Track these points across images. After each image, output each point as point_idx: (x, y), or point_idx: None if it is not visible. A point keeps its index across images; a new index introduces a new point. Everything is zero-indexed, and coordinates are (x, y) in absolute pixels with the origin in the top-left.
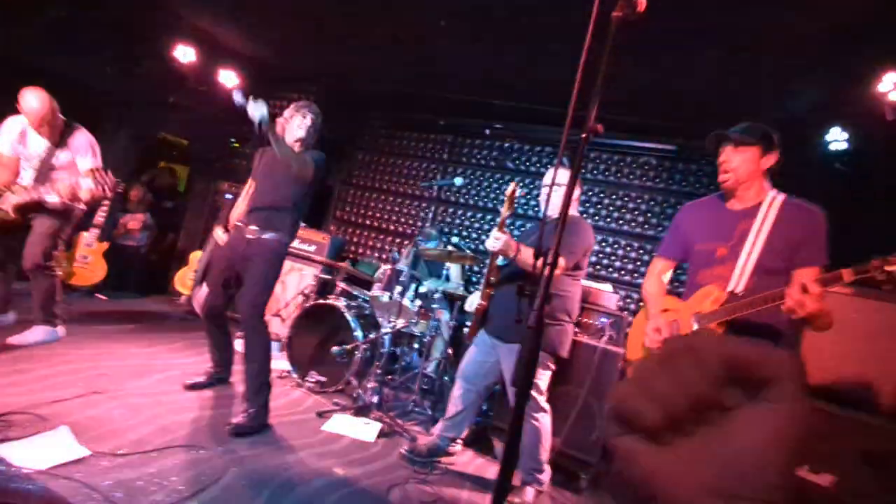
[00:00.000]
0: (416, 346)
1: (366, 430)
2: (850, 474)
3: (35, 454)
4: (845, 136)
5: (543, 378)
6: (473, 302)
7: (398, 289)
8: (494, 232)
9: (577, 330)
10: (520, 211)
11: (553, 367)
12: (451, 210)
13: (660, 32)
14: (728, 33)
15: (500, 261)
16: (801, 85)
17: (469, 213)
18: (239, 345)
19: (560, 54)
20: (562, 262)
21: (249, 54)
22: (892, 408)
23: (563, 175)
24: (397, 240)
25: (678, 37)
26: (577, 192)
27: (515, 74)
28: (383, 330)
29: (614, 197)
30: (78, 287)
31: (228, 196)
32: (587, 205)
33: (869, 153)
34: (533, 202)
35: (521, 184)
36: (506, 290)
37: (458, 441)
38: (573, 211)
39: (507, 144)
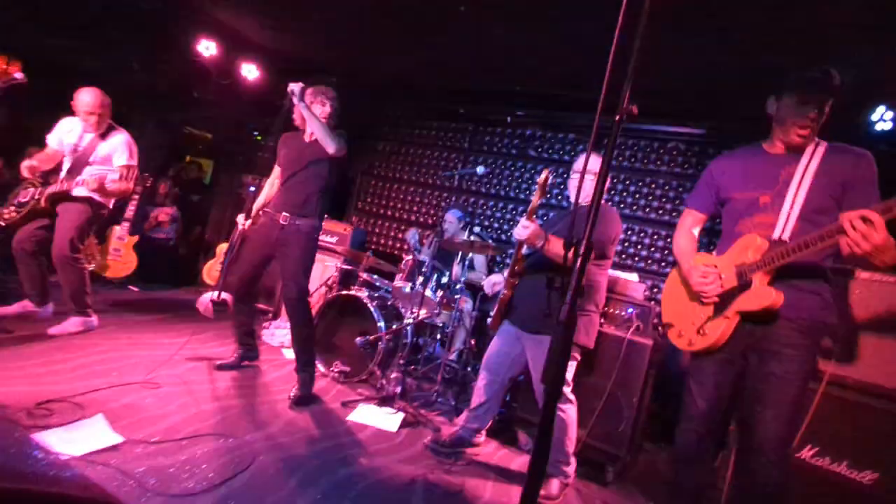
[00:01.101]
0: (438, 336)
1: (390, 420)
2: (893, 471)
3: (72, 441)
4: (892, 115)
5: (569, 369)
6: (492, 280)
7: (420, 279)
8: (523, 220)
9: (602, 321)
10: (532, 198)
11: (579, 357)
12: (472, 200)
13: (689, 9)
14: (763, 5)
15: (525, 250)
16: (843, 62)
17: (491, 203)
18: (266, 335)
19: (583, 39)
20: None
21: (270, 47)
22: None
23: (594, 161)
24: (419, 231)
25: (709, 13)
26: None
27: (538, 60)
28: (406, 320)
29: (641, 184)
30: (111, 279)
31: (252, 188)
32: (612, 192)
33: None
34: (555, 190)
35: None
36: (531, 280)
37: (482, 432)
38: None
39: (528, 132)
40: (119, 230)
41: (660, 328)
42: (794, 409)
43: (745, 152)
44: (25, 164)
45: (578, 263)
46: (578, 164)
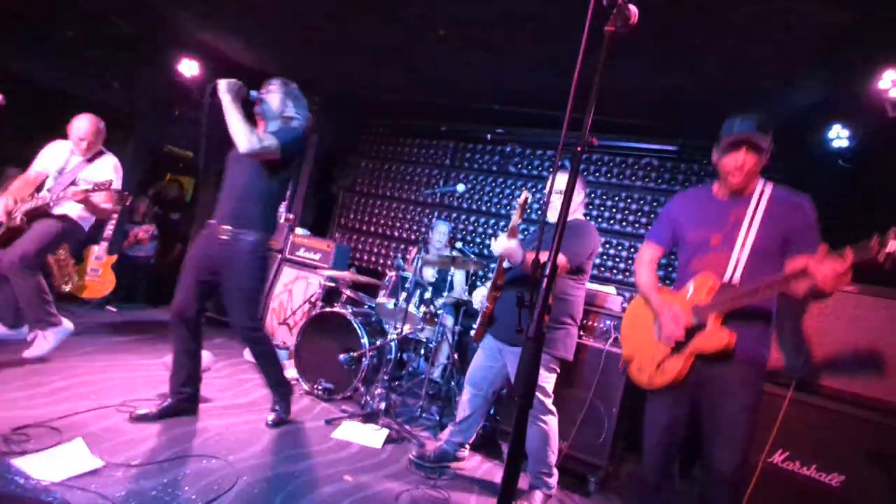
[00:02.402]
0: (422, 351)
1: (374, 436)
2: (859, 474)
3: (51, 466)
4: (846, 133)
5: (549, 381)
6: (479, 295)
7: (403, 295)
8: (502, 235)
9: (581, 333)
10: (512, 214)
11: (558, 370)
12: (454, 216)
13: (658, 32)
14: (727, 32)
15: (506, 264)
16: (802, 83)
17: (472, 218)
18: (246, 353)
19: (559, 60)
20: (563, 259)
21: (252, 66)
22: None
23: (562, 180)
24: (402, 246)
25: (676, 36)
26: (581, 195)
27: (515, 80)
28: (389, 336)
29: (617, 199)
30: (89, 300)
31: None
32: (590, 207)
33: (870, 150)
34: (535, 205)
35: (523, 188)
36: (511, 294)
37: (466, 446)
38: (579, 215)
39: (508, 149)
40: (97, 250)
41: (620, 363)
42: (746, 441)
43: (699, 194)
44: (1, 206)
45: (545, 281)
46: (555, 184)
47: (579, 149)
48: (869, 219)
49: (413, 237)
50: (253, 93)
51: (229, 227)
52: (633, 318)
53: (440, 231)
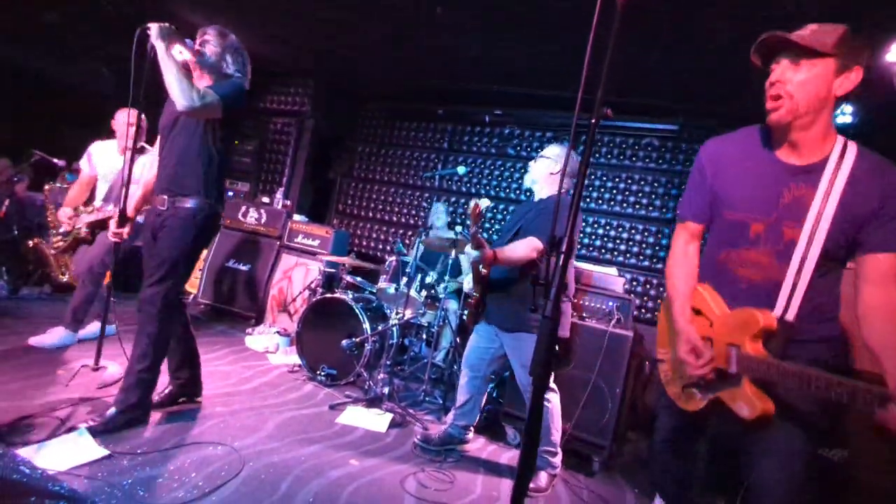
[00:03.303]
0: (424, 336)
1: (378, 420)
2: (862, 449)
3: (56, 456)
4: (851, 109)
5: None
6: (469, 279)
7: (404, 280)
8: (468, 248)
9: (584, 315)
10: (512, 196)
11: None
12: (453, 199)
13: (657, 9)
14: (727, 6)
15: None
16: None
17: (503, 206)
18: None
19: (558, 39)
20: (535, 243)
21: (246, 49)
22: None
23: (551, 150)
24: (401, 231)
25: (676, 13)
26: (556, 166)
27: (514, 60)
28: (391, 321)
29: (618, 180)
30: None
31: (230, 193)
32: (590, 188)
33: (875, 127)
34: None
35: (522, 170)
36: (499, 281)
37: (471, 428)
38: (554, 191)
39: (507, 131)
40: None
41: (646, 363)
42: (802, 462)
43: (749, 140)
44: (64, 215)
45: (560, 262)
46: (547, 150)
47: (594, 120)
48: None
49: (412, 222)
50: (188, 41)
51: (165, 197)
52: (664, 323)
53: (438, 212)
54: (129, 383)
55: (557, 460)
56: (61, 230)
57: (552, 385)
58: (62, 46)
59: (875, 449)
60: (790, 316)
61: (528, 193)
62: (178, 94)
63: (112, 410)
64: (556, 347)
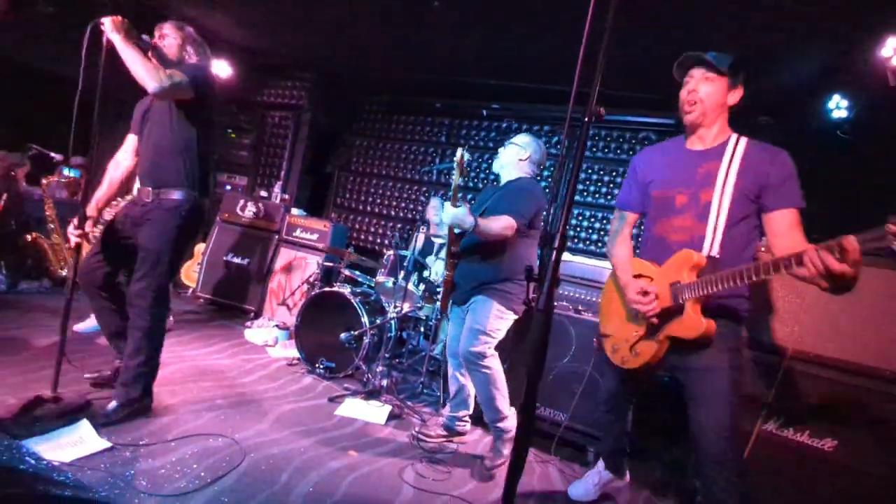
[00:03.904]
0: (421, 329)
1: (377, 412)
2: (851, 439)
3: (60, 448)
4: (846, 103)
5: (496, 328)
6: (437, 268)
7: (402, 274)
8: (447, 205)
9: (580, 307)
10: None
11: (509, 321)
12: (450, 193)
13: (654, 1)
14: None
15: (457, 230)
16: (802, 52)
17: (470, 196)
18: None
19: (557, 32)
20: (510, 221)
21: (240, 43)
22: (893, 373)
23: (521, 138)
24: (399, 225)
25: (674, 5)
26: (524, 153)
27: (512, 54)
28: (389, 315)
29: (615, 174)
30: None
31: (228, 187)
32: (587, 182)
33: (870, 120)
34: (474, 164)
35: None
36: (468, 260)
37: (468, 418)
38: (521, 173)
39: (504, 124)
40: (92, 235)
41: (595, 339)
42: (730, 399)
43: (668, 146)
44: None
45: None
46: (517, 138)
47: (586, 119)
48: (867, 191)
49: (410, 216)
50: (144, 37)
51: (150, 189)
52: (609, 295)
53: (433, 206)
54: (128, 378)
55: (508, 424)
56: (102, 220)
57: (490, 352)
58: (58, 40)
59: (864, 439)
60: (715, 253)
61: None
62: (146, 76)
63: (113, 404)
64: (505, 318)
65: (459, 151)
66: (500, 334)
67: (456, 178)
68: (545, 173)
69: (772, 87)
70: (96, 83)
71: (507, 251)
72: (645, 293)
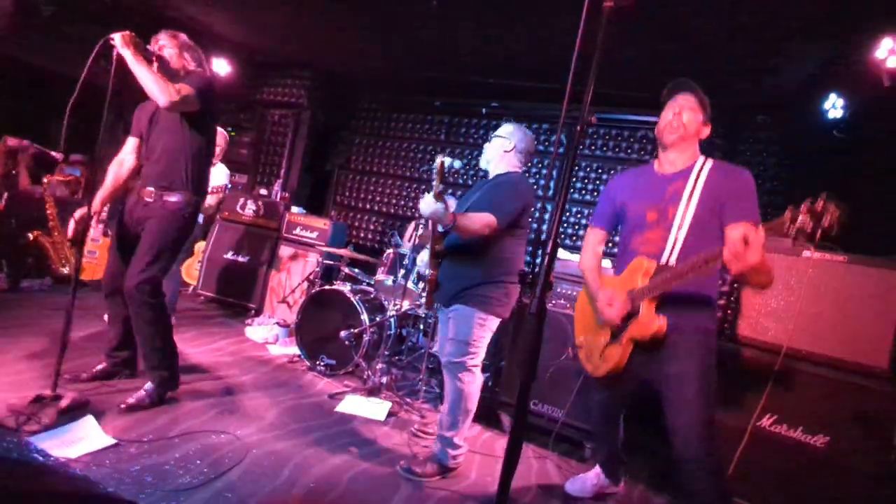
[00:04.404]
0: (421, 326)
1: (377, 409)
2: (842, 435)
3: (65, 444)
4: (842, 103)
5: (478, 338)
6: (423, 258)
7: (402, 271)
8: (428, 196)
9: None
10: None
11: (491, 328)
12: (450, 191)
13: (654, 3)
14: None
15: (440, 227)
16: (798, 52)
17: (459, 193)
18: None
19: (555, 32)
20: (490, 218)
21: (240, 41)
22: (884, 371)
23: (504, 129)
24: (398, 223)
25: (671, 4)
26: (509, 143)
27: (511, 52)
28: (389, 312)
29: (612, 172)
30: (87, 282)
31: (228, 186)
32: (584, 180)
33: (866, 120)
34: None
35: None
36: (451, 259)
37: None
38: (509, 167)
39: (504, 122)
40: (93, 232)
41: (570, 349)
42: (698, 401)
43: (639, 171)
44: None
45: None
46: (501, 129)
47: (578, 129)
48: (861, 190)
49: (410, 214)
50: (150, 49)
51: (152, 189)
52: (582, 305)
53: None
54: (155, 362)
55: (454, 453)
56: None
57: (471, 366)
58: (58, 37)
59: (855, 435)
60: (672, 261)
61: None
62: (157, 92)
63: (149, 385)
64: (488, 325)
65: (439, 159)
66: (484, 342)
67: (436, 186)
68: (543, 171)
69: (769, 86)
70: (97, 87)
71: (491, 252)
72: (611, 302)
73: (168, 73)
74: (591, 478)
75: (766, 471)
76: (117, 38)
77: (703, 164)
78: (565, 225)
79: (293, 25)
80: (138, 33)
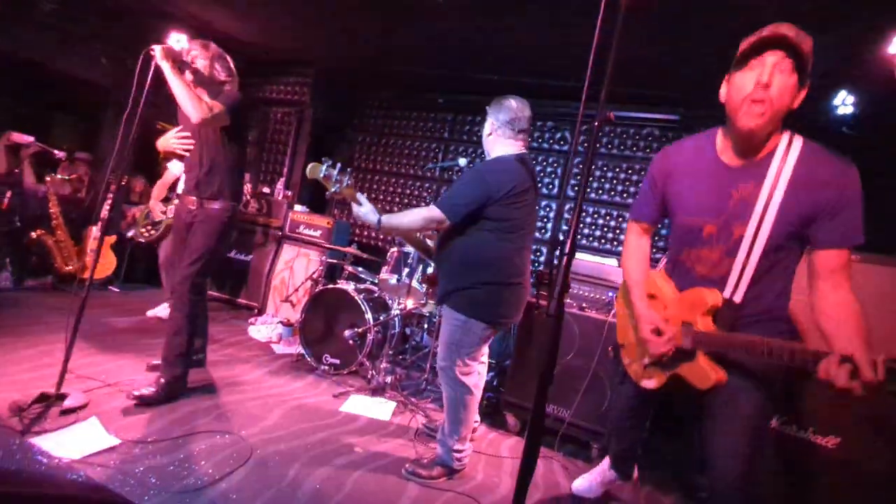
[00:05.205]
0: (425, 325)
1: (381, 409)
2: (854, 436)
3: (69, 445)
4: (852, 99)
5: (465, 344)
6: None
7: (406, 271)
8: (353, 206)
9: (584, 305)
10: None
11: (479, 333)
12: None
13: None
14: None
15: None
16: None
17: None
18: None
19: (561, 29)
20: (435, 212)
21: (242, 38)
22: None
23: (493, 109)
24: None
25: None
26: (488, 126)
27: (515, 50)
28: (393, 311)
29: (618, 170)
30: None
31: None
32: (590, 178)
33: (876, 117)
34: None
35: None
36: (444, 256)
37: (476, 419)
38: (501, 151)
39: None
40: (95, 230)
41: (609, 348)
42: (748, 455)
43: (696, 150)
44: (158, 208)
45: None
46: (499, 114)
47: (596, 124)
48: (871, 187)
49: None
50: (185, 60)
51: (194, 198)
52: (623, 310)
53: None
54: (171, 357)
55: (454, 450)
56: (154, 220)
57: (461, 375)
58: (59, 35)
59: (869, 436)
60: (737, 298)
61: None
62: (191, 109)
63: (162, 381)
64: (475, 330)
65: (308, 167)
66: (471, 347)
67: (329, 188)
68: (548, 169)
69: None
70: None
71: (476, 252)
72: (658, 332)
73: (201, 82)
74: (598, 476)
75: (775, 473)
76: (157, 51)
77: (788, 148)
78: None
79: (295, 22)
80: (140, 31)
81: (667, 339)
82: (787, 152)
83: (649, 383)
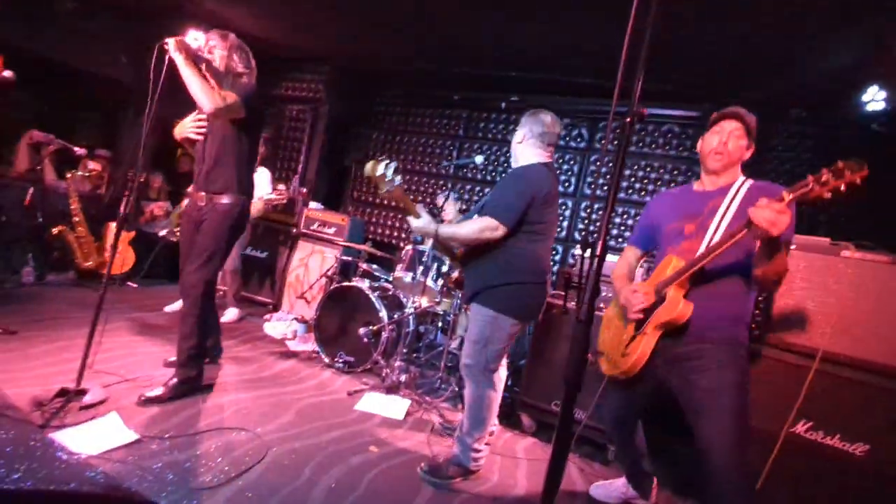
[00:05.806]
0: (439, 324)
1: (396, 407)
2: (884, 443)
3: (88, 440)
4: (883, 94)
5: (493, 340)
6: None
7: (420, 268)
8: (410, 219)
9: (602, 305)
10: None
11: (507, 328)
12: (468, 187)
13: None
14: None
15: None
16: (837, 43)
17: (487, 190)
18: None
19: (578, 24)
20: (490, 222)
21: (258, 35)
22: None
23: (522, 120)
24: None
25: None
26: (519, 135)
27: (532, 46)
28: (407, 310)
29: (637, 168)
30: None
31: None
32: (608, 176)
33: None
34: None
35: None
36: (469, 258)
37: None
38: (529, 160)
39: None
40: (114, 226)
41: (590, 356)
42: (734, 414)
43: (679, 191)
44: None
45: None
46: (533, 126)
47: (628, 119)
48: None
49: (427, 209)
50: (201, 51)
51: (203, 194)
52: (607, 319)
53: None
54: (184, 359)
55: (473, 449)
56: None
57: (485, 372)
58: (80, 34)
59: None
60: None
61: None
62: (204, 98)
63: (174, 381)
64: (503, 325)
65: (369, 164)
66: (500, 343)
67: (382, 188)
68: (564, 167)
69: (807, 78)
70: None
71: (507, 251)
72: (635, 290)
73: (216, 75)
74: (620, 486)
75: (801, 480)
76: (171, 43)
77: (744, 182)
78: (586, 222)
79: (311, 20)
80: (160, 30)
81: (645, 292)
82: (743, 183)
83: (629, 360)
